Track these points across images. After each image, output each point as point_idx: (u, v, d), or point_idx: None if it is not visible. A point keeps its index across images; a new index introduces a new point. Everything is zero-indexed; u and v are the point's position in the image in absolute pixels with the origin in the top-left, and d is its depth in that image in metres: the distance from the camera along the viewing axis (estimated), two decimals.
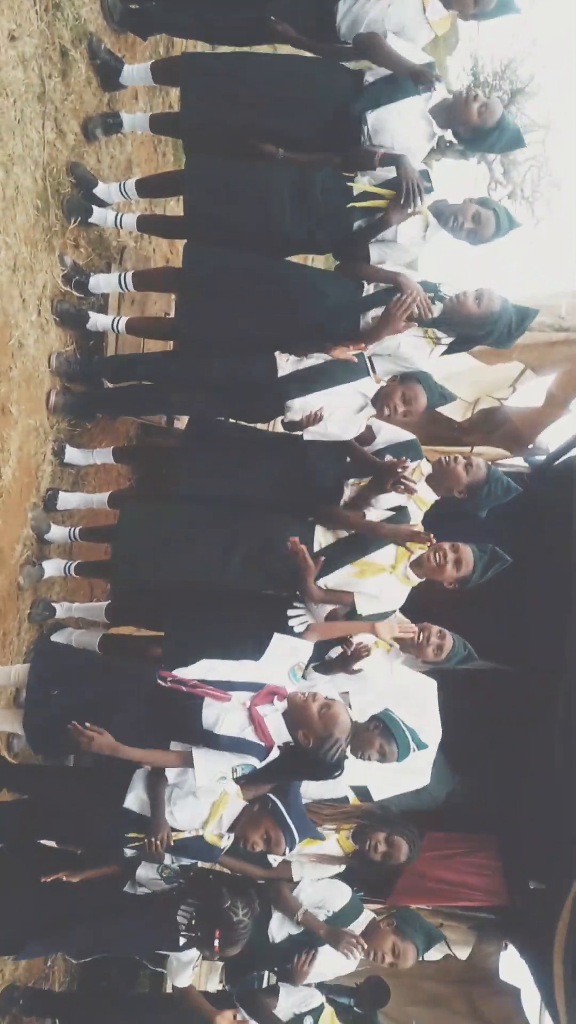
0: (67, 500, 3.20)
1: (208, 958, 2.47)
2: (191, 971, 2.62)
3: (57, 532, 3.15)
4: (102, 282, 3.19)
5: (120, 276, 3.18)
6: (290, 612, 3.01)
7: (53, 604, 3.18)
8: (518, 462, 5.52)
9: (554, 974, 4.27)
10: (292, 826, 2.38)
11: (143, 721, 2.34)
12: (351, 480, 3.06)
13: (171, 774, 2.30)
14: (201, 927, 2.33)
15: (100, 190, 3.23)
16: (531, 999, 5.05)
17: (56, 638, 3.15)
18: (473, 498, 3.06)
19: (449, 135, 3.10)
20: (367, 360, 2.93)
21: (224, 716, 2.28)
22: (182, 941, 2.45)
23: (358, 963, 3.03)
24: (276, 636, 2.52)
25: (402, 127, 2.94)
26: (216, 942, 2.30)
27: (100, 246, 3.43)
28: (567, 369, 4.52)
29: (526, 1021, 4.90)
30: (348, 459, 3.07)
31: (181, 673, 2.39)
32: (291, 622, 3.00)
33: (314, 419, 2.85)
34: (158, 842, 2.24)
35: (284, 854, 2.39)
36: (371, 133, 2.94)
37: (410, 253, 3.04)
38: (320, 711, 2.35)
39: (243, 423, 3.28)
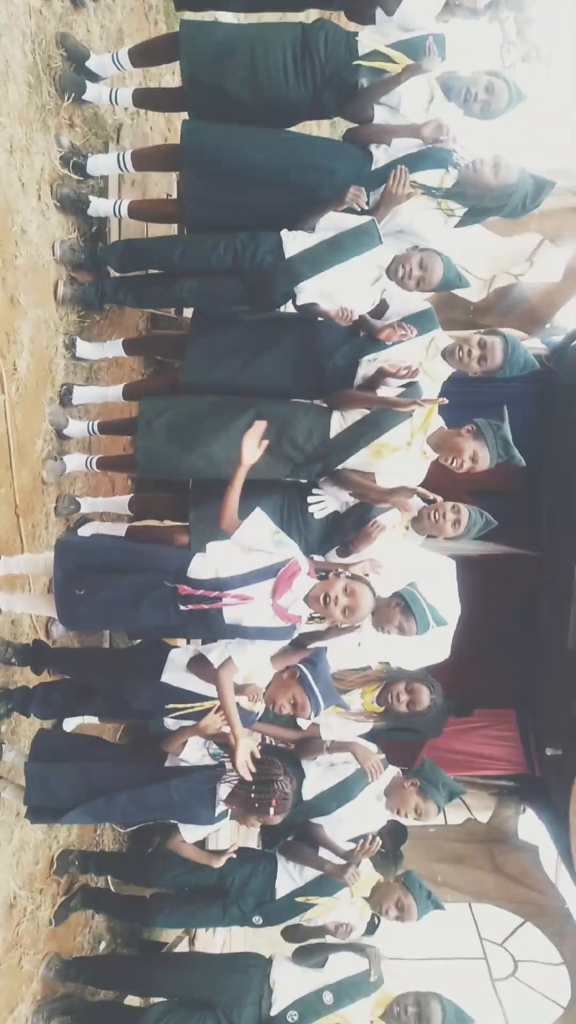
0: (82, 395, 3.19)
1: (255, 824, 2.61)
2: (204, 835, 2.80)
3: (75, 427, 3.16)
4: (101, 163, 3.06)
5: (119, 156, 3.05)
6: (310, 499, 3.04)
7: (77, 499, 3.23)
8: (535, 344, 5.41)
9: (570, 827, 4.52)
10: (318, 693, 2.48)
11: (170, 609, 2.40)
12: (367, 356, 3.02)
13: (213, 656, 2.39)
14: (259, 797, 2.48)
15: (93, 62, 3.06)
16: (548, 855, 5.40)
17: (83, 532, 3.21)
18: (489, 374, 3.01)
19: None
20: (379, 229, 2.83)
21: (247, 614, 2.35)
22: (217, 812, 2.62)
23: (386, 819, 3.23)
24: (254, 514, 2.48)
25: None
26: (272, 810, 2.47)
27: (96, 125, 3.27)
28: None
29: (544, 873, 5.24)
30: (361, 333, 3.01)
31: (198, 568, 2.41)
32: (311, 508, 3.03)
33: (347, 317, 2.77)
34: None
35: (310, 718, 2.50)
36: None
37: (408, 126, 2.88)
38: (344, 612, 2.41)
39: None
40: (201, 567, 2.41)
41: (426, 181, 2.88)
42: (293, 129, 3.08)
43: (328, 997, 2.89)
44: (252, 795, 2.47)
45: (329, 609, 2.42)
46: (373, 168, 2.95)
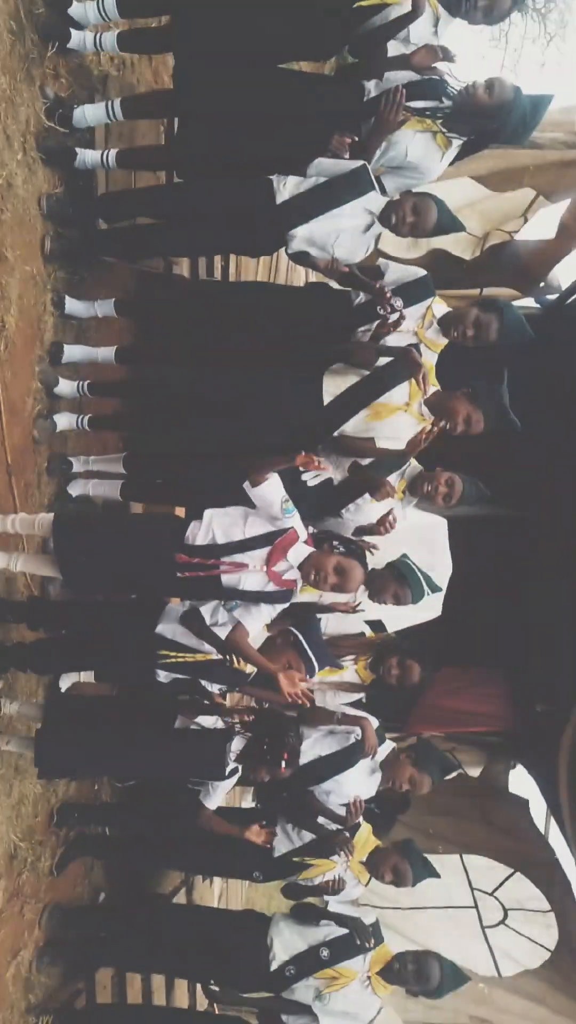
0: (71, 353, 3.16)
1: (264, 778, 2.67)
2: (222, 797, 2.85)
3: (66, 386, 3.14)
4: (88, 113, 2.99)
5: (107, 104, 2.99)
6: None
7: (70, 458, 3.23)
8: (529, 303, 5.38)
9: (559, 781, 4.62)
10: (312, 655, 2.52)
11: (169, 576, 2.43)
12: (362, 328, 2.99)
13: (206, 612, 2.42)
14: (271, 752, 2.57)
15: (75, 10, 2.97)
16: (538, 809, 5.52)
17: (72, 489, 3.21)
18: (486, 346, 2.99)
19: None
20: (370, 173, 2.78)
21: (244, 579, 2.40)
22: (228, 769, 2.67)
23: (377, 787, 3.28)
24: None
25: None
26: (283, 763, 2.56)
27: (82, 75, 3.20)
28: None
29: (533, 825, 5.36)
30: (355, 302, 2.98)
31: (195, 534, 2.44)
32: (304, 476, 3.03)
33: (336, 267, 2.74)
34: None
35: (304, 680, 2.55)
36: None
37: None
38: (334, 589, 2.48)
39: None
40: (198, 534, 2.45)
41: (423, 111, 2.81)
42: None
43: (325, 953, 2.99)
44: (265, 748, 2.52)
45: (320, 584, 2.47)
46: (365, 100, 2.88)
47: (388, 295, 2.79)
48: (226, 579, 2.39)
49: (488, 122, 2.83)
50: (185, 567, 2.37)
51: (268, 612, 2.50)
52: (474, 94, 2.78)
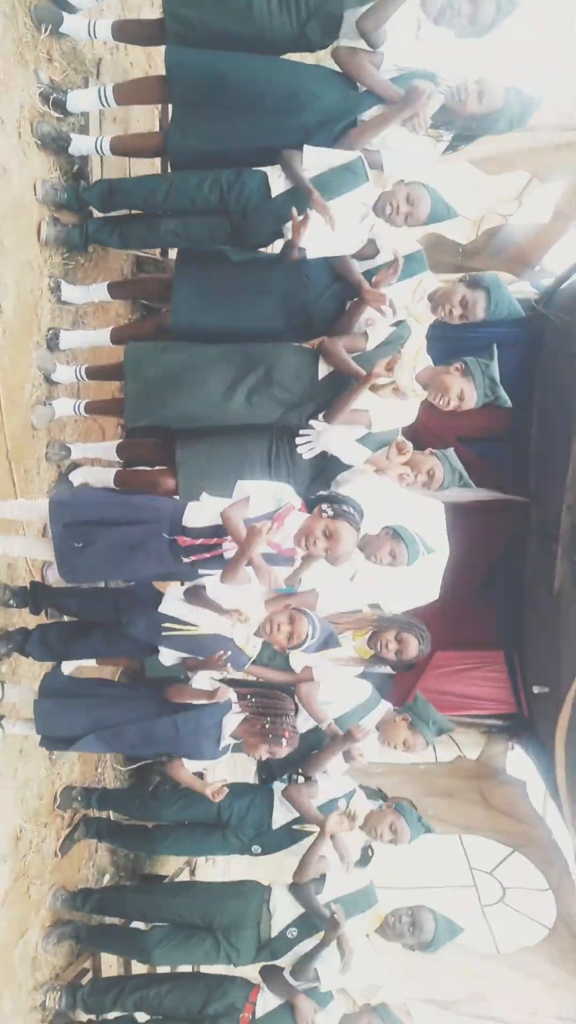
0: (69, 339, 3.17)
1: (263, 755, 2.71)
2: (200, 768, 2.90)
3: (63, 372, 3.15)
4: (81, 99, 2.99)
5: (100, 90, 2.98)
6: (298, 440, 3.06)
7: (68, 445, 3.24)
8: (525, 287, 5.38)
9: (556, 762, 4.67)
10: (315, 619, 2.54)
11: (168, 559, 2.45)
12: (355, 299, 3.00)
13: (210, 586, 2.44)
14: (272, 727, 2.62)
15: None
16: (535, 791, 5.57)
17: (73, 477, 3.23)
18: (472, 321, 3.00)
19: None
20: (365, 165, 2.80)
21: None
22: (220, 746, 2.70)
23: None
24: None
25: None
26: (283, 740, 2.60)
27: (75, 60, 3.19)
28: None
29: (531, 805, 5.41)
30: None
31: (193, 516, 2.45)
32: (299, 449, 3.05)
33: (302, 227, 2.71)
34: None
35: (307, 636, 2.56)
36: None
37: (398, 49, 2.82)
38: (325, 552, 2.45)
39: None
40: (196, 515, 2.46)
41: None
42: None
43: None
44: (266, 725, 2.55)
45: (310, 548, 2.48)
46: (360, 92, 2.88)
47: (381, 296, 2.79)
48: (229, 556, 2.40)
49: (477, 127, 2.84)
50: (189, 550, 2.39)
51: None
52: (464, 100, 2.78)
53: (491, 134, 2.93)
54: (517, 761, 5.96)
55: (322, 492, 2.60)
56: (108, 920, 3.38)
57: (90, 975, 3.34)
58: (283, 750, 2.66)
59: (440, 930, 3.02)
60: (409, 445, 3.02)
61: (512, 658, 5.94)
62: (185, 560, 2.40)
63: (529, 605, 5.75)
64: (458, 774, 5.62)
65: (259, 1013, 2.90)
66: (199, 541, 2.39)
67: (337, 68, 2.91)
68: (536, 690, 5.41)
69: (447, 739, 6.03)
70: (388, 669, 3.56)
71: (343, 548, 2.44)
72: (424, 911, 3.05)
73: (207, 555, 2.38)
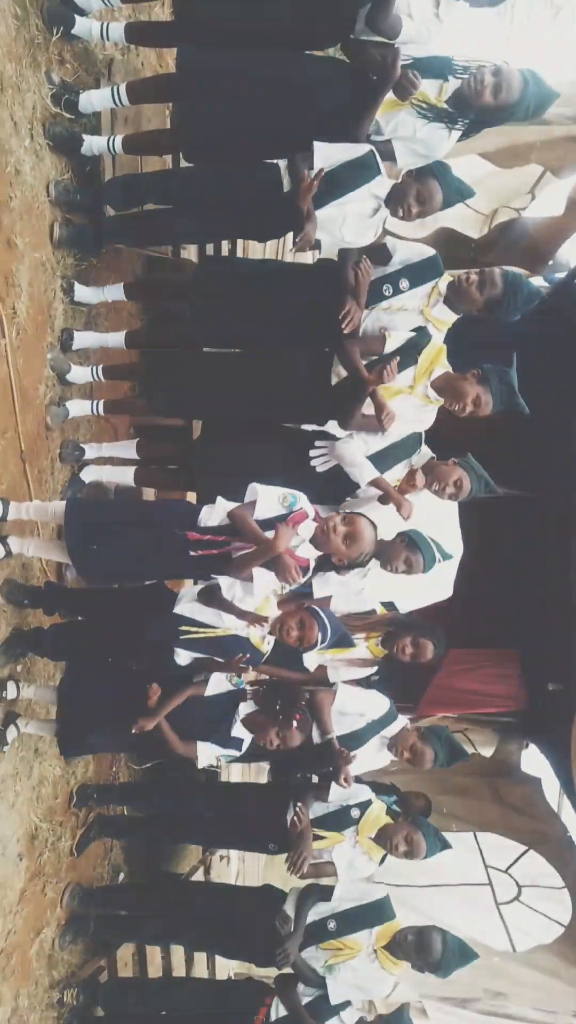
0: (82, 339, 3.18)
1: (275, 740, 2.70)
2: (213, 759, 2.85)
3: (78, 372, 3.16)
4: (94, 99, 2.99)
5: (113, 89, 2.98)
6: (312, 452, 3.05)
7: (82, 445, 3.25)
8: (538, 282, 5.35)
9: (572, 759, 4.65)
10: (327, 620, 2.54)
11: (182, 559, 2.47)
12: (368, 307, 2.98)
13: (224, 585, 2.45)
14: (284, 712, 2.64)
15: None
16: (551, 788, 5.55)
17: (85, 476, 3.24)
18: (494, 313, 2.98)
19: None
20: (377, 158, 2.78)
21: None
22: (233, 733, 2.70)
23: (389, 760, 3.31)
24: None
25: None
26: (295, 723, 2.61)
27: (87, 61, 3.19)
28: None
29: (546, 803, 5.40)
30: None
31: (207, 518, 2.47)
32: (313, 462, 3.04)
33: (311, 186, 2.67)
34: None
35: (317, 641, 2.57)
36: None
37: (422, 35, 2.79)
38: (345, 541, 2.50)
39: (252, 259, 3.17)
40: (210, 516, 2.49)
41: (425, 90, 2.77)
42: None
43: (332, 924, 3.03)
44: (277, 708, 2.56)
45: (330, 539, 2.48)
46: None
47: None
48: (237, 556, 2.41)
49: (489, 117, 2.81)
50: (198, 544, 2.40)
51: (273, 581, 2.48)
52: (480, 92, 2.71)
53: (505, 124, 2.90)
54: (532, 758, 5.95)
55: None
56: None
57: (105, 972, 3.36)
58: (294, 736, 2.65)
59: (449, 954, 2.96)
60: (422, 479, 3.00)
61: (526, 655, 5.92)
62: (192, 553, 2.42)
63: (543, 601, 5.72)
64: (473, 771, 5.62)
65: (272, 1017, 2.91)
66: (207, 537, 2.41)
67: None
68: (551, 687, 5.38)
69: (462, 737, 6.02)
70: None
71: (363, 539, 2.53)
72: (433, 933, 2.99)
73: (215, 551, 2.39)
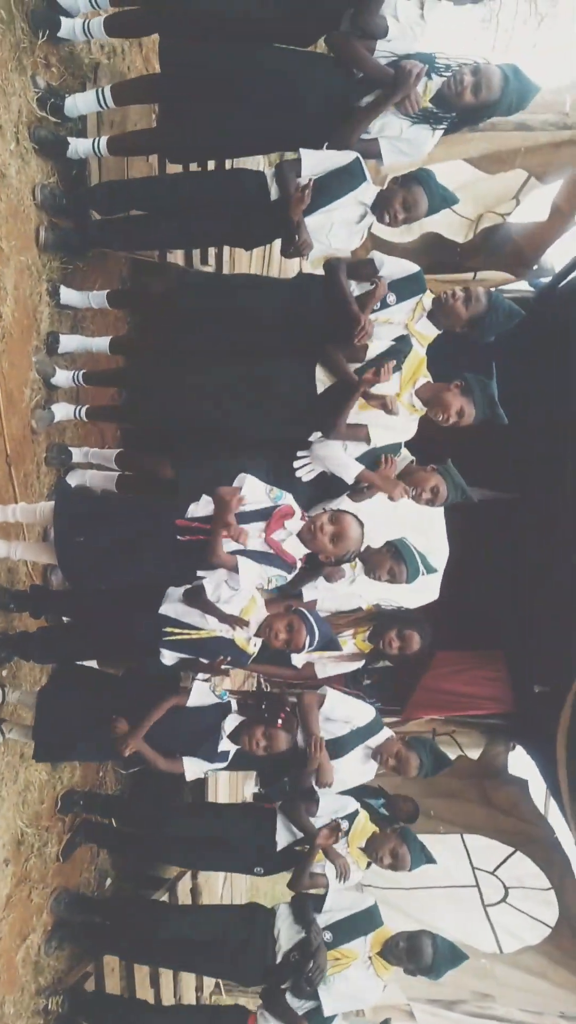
0: (67, 343, 3.17)
1: (261, 742, 2.70)
2: (200, 773, 2.86)
3: (62, 376, 3.15)
4: (80, 102, 2.99)
5: (98, 91, 2.98)
6: (296, 463, 3.06)
7: (69, 448, 3.24)
8: (523, 286, 5.39)
9: (558, 761, 4.67)
10: (314, 623, 2.55)
11: (169, 554, 2.47)
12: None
13: (209, 587, 2.45)
14: (269, 711, 2.67)
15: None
16: (537, 789, 5.58)
17: (70, 479, 3.23)
18: (475, 330, 3.02)
19: None
20: (363, 165, 2.80)
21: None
22: (220, 748, 2.70)
23: (374, 774, 3.31)
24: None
25: None
26: (280, 720, 2.63)
27: (73, 64, 3.19)
28: (574, 175, 4.29)
29: (533, 804, 5.42)
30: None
31: (195, 511, 2.49)
32: (298, 472, 3.05)
33: (302, 197, 2.70)
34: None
35: (304, 646, 2.57)
36: None
37: (407, 36, 2.80)
38: (332, 539, 2.53)
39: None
40: (197, 509, 2.51)
41: None
42: None
43: (328, 935, 3.03)
44: (263, 706, 2.58)
45: (317, 537, 2.51)
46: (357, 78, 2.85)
47: (365, 323, 2.81)
48: (226, 544, 2.43)
49: (471, 116, 2.83)
50: (185, 531, 2.42)
51: (265, 572, 2.52)
52: (461, 93, 2.74)
53: (489, 119, 2.92)
54: (519, 760, 5.98)
55: None
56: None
57: (92, 980, 3.34)
58: (279, 737, 2.65)
59: (440, 957, 2.98)
60: (395, 461, 3.03)
61: (512, 657, 5.95)
62: (180, 539, 2.45)
63: (528, 603, 5.76)
64: (460, 773, 5.64)
65: None
66: (195, 524, 2.45)
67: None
68: (537, 689, 5.41)
69: (449, 739, 6.04)
70: (387, 663, 3.57)
71: (350, 537, 2.55)
72: (423, 937, 3.01)
73: (202, 537, 2.43)
